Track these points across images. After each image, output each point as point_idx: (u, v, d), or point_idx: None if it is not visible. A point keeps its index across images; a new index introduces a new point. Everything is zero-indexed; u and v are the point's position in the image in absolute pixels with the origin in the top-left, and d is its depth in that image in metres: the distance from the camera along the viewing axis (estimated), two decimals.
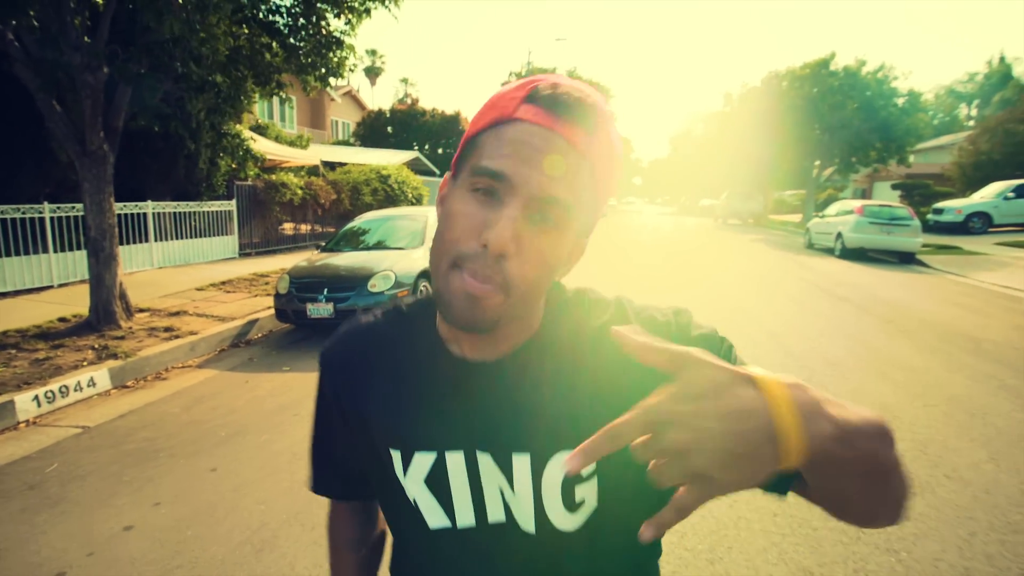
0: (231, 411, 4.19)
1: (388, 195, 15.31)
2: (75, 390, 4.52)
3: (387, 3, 5.69)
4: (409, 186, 16.25)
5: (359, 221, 8.05)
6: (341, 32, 6.47)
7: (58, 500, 2.98)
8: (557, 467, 0.61)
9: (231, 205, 10.88)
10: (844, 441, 0.42)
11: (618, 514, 0.63)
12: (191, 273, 9.29)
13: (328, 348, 0.74)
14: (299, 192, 12.16)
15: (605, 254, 13.20)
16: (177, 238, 9.86)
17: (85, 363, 4.88)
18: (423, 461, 0.65)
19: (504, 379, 0.64)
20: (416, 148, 24.58)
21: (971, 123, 51.20)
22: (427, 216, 7.74)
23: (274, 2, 6.40)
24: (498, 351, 0.65)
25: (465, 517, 0.65)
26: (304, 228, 13.62)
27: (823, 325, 6.53)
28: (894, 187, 28.09)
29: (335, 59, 6.36)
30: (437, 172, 23.27)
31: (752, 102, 27.15)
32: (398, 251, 6.86)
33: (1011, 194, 18.49)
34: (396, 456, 0.67)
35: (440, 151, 25.21)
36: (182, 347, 5.53)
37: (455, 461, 0.64)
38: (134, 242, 9.05)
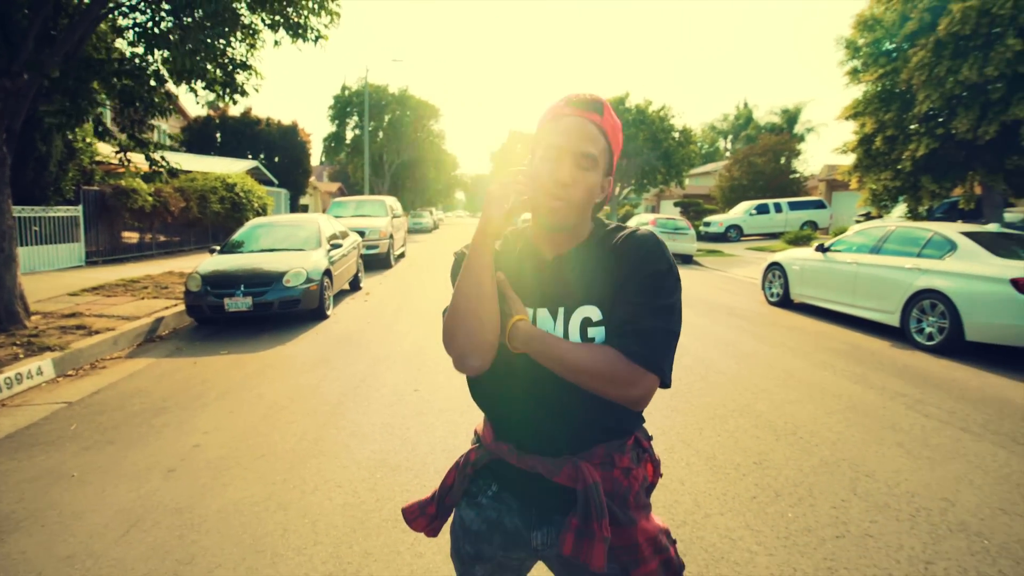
0: (202, 381, 4.94)
1: (235, 203, 15.21)
2: (27, 377, 4.85)
3: (305, 36, 6.57)
4: (255, 195, 16.22)
5: (248, 227, 8.62)
6: (241, 55, 7.22)
7: (111, 440, 3.69)
8: (578, 315, 1.07)
9: (77, 211, 10.36)
10: (529, 349, 1.03)
11: None
12: (48, 280, 8.88)
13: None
14: (149, 199, 11.84)
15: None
16: (20, 244, 9.25)
17: (21, 356, 5.12)
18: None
19: (561, 267, 1.11)
20: (250, 157, 23.81)
21: (728, 154, 63.17)
22: (318, 223, 8.64)
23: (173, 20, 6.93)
24: (563, 249, 1.13)
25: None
26: (147, 237, 13.09)
27: None
28: (675, 204, 34.14)
29: (241, 80, 7.08)
30: (276, 182, 22.78)
31: None
32: (299, 252, 7.71)
33: (754, 211, 24.13)
34: None
35: (278, 160, 24.69)
36: (106, 341, 5.88)
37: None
38: None
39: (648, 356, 1.00)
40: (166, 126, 26.99)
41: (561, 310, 1.08)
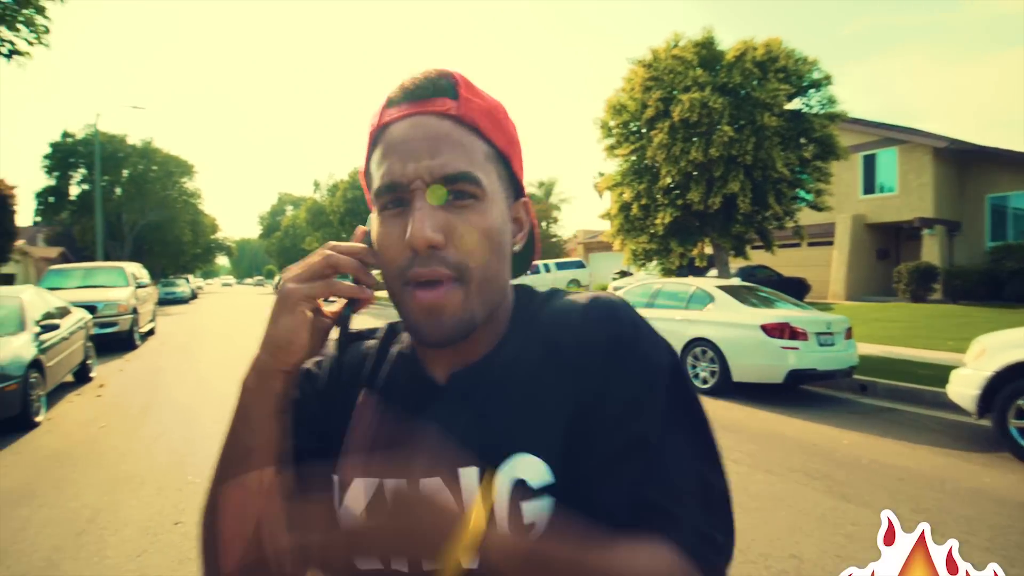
0: None
1: None
2: None
3: None
4: None
5: None
6: None
7: None
8: (505, 478, 0.53)
9: None
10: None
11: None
12: None
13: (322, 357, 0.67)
14: None
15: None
16: None
17: None
18: (359, 488, 0.56)
19: (464, 393, 0.59)
20: None
21: None
22: (20, 300, 6.51)
23: None
24: (466, 359, 0.60)
25: (400, 562, 0.52)
26: None
27: None
28: None
29: None
30: None
31: (342, 191, 30.12)
32: None
33: (529, 272, 26.39)
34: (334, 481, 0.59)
35: None
36: None
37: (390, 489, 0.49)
38: None
39: (724, 544, 0.53)
40: None
41: (472, 472, 0.54)
